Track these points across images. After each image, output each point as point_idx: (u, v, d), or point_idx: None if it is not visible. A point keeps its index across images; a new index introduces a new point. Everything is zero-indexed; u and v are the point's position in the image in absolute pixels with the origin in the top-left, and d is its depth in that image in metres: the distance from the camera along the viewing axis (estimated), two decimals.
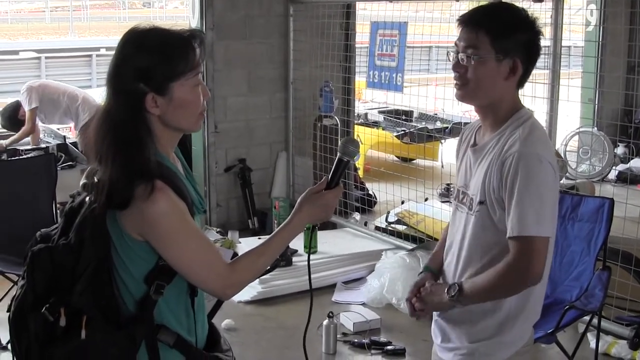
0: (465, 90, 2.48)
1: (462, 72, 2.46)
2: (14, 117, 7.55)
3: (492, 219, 2.47)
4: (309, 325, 2.62)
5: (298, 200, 2.35)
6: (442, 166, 8.91)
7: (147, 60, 2.10)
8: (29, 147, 7.28)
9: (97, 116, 2.17)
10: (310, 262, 6.39)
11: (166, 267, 2.13)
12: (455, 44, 2.49)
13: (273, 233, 2.33)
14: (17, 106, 7.56)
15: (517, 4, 5.07)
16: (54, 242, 2.20)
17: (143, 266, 2.14)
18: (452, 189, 2.77)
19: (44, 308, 2.12)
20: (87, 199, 2.19)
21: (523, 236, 2.35)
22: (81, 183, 2.22)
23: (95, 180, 2.13)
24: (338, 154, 2.38)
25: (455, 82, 2.50)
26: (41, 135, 7.69)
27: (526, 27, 2.46)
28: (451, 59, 2.51)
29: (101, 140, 2.11)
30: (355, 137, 8.33)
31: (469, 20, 2.47)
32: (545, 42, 5.42)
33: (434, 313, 2.77)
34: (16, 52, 17.36)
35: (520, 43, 2.44)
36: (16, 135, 7.43)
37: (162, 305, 2.16)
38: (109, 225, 2.11)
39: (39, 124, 7.62)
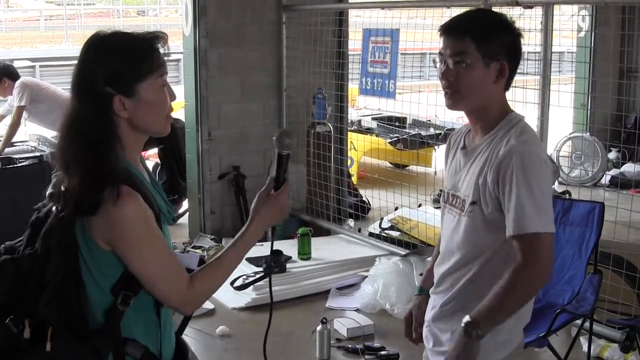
0: (457, 97, 2.51)
1: (452, 79, 2.49)
2: None
3: (485, 219, 2.48)
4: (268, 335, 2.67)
5: (252, 208, 2.32)
6: (436, 172, 8.94)
7: (112, 63, 2.10)
8: (23, 155, 7.29)
9: (63, 123, 2.15)
10: (305, 268, 6.44)
11: (133, 277, 2.10)
12: (440, 53, 2.52)
13: (230, 244, 2.29)
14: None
15: (507, 10, 5.14)
16: (18, 253, 2.17)
17: (110, 276, 2.10)
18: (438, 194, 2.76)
19: (7, 319, 2.08)
20: (54, 208, 2.15)
21: (530, 233, 2.36)
22: (47, 193, 2.19)
23: (63, 189, 2.11)
24: (276, 150, 2.35)
25: (445, 90, 2.52)
26: (35, 144, 7.72)
27: (508, 29, 2.51)
28: (437, 67, 2.54)
29: (67, 147, 2.11)
30: (349, 144, 8.35)
31: (452, 28, 2.51)
32: (535, 47, 5.48)
33: (426, 318, 2.79)
34: (11, 61, 17.32)
35: (505, 45, 2.48)
36: (5, 137, 7.47)
37: (130, 316, 2.13)
38: (77, 233, 2.08)
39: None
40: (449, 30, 2.51)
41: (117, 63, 2.10)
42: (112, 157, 2.08)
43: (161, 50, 2.17)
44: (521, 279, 2.38)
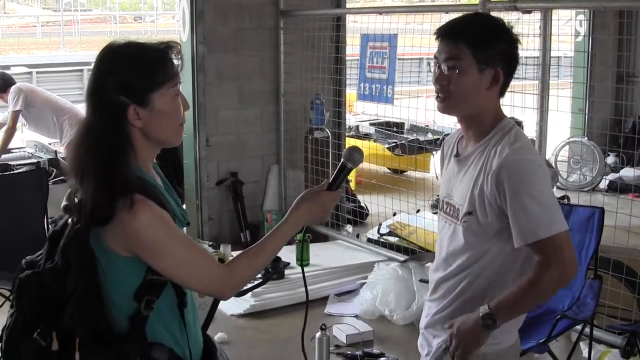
0: (449, 102, 2.49)
1: (445, 84, 2.47)
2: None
3: (481, 228, 2.47)
4: (305, 330, 2.64)
5: (296, 199, 2.35)
6: (437, 177, 8.92)
7: (127, 73, 2.11)
8: (20, 162, 7.28)
9: (77, 133, 2.17)
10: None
11: (154, 281, 2.12)
12: (435, 56, 2.50)
13: (270, 232, 2.32)
14: (2, 77, 7.78)
15: (506, 14, 5.14)
16: (40, 267, 2.18)
17: (131, 282, 2.12)
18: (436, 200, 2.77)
19: (35, 333, 2.10)
20: (70, 220, 2.18)
21: (548, 237, 2.35)
22: (62, 205, 2.21)
23: (76, 200, 2.12)
24: (342, 160, 2.42)
25: (437, 94, 2.51)
26: (32, 150, 7.71)
27: (504, 35, 2.48)
28: (432, 70, 2.52)
29: (83, 157, 2.11)
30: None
31: (448, 33, 2.48)
32: (534, 52, 5.47)
33: (420, 325, 2.78)
34: (7, 67, 17.34)
35: (500, 52, 2.45)
36: (1, 143, 7.48)
37: (154, 321, 2.15)
38: (93, 244, 2.10)
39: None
40: (444, 34, 2.49)
41: (132, 72, 2.12)
42: (126, 167, 2.08)
43: (174, 60, 2.18)
44: (546, 277, 2.38)
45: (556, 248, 2.36)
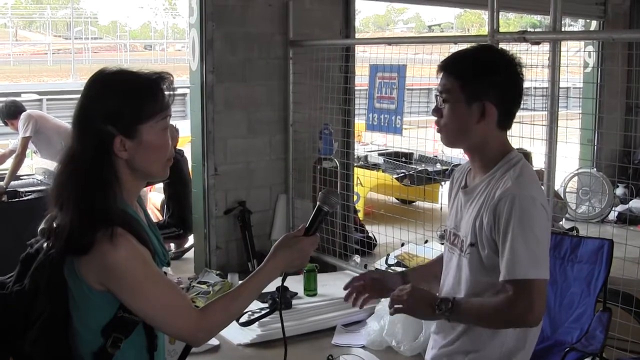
0: (444, 135, 2.54)
1: (438, 116, 2.51)
2: (11, 114, 7.86)
3: (482, 261, 2.46)
4: None
5: (274, 245, 2.30)
6: (442, 208, 8.91)
7: (116, 102, 2.04)
8: (29, 188, 7.30)
9: (61, 158, 2.11)
10: (311, 304, 6.37)
11: (125, 319, 2.05)
12: (436, 89, 2.54)
13: (247, 277, 2.25)
14: (13, 104, 7.97)
15: (515, 45, 5.14)
16: (8, 289, 2.12)
17: (101, 317, 2.05)
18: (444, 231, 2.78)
19: None
20: (45, 245, 2.11)
21: (523, 279, 2.33)
22: (40, 228, 2.15)
23: (54, 225, 2.06)
24: (318, 203, 2.37)
25: (436, 126, 2.55)
26: (41, 177, 7.74)
27: (498, 69, 2.48)
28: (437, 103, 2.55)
29: (64, 184, 2.06)
30: (356, 180, 8.35)
31: (444, 66, 2.52)
32: (543, 83, 5.47)
33: (426, 357, 2.76)
34: (18, 94, 17.46)
35: (492, 86, 2.45)
36: (10, 169, 7.52)
37: None
38: (67, 272, 2.03)
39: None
40: (440, 67, 2.53)
41: (120, 102, 2.05)
42: (109, 198, 2.02)
43: (166, 92, 2.11)
44: (511, 314, 2.38)
45: (527, 292, 2.34)
